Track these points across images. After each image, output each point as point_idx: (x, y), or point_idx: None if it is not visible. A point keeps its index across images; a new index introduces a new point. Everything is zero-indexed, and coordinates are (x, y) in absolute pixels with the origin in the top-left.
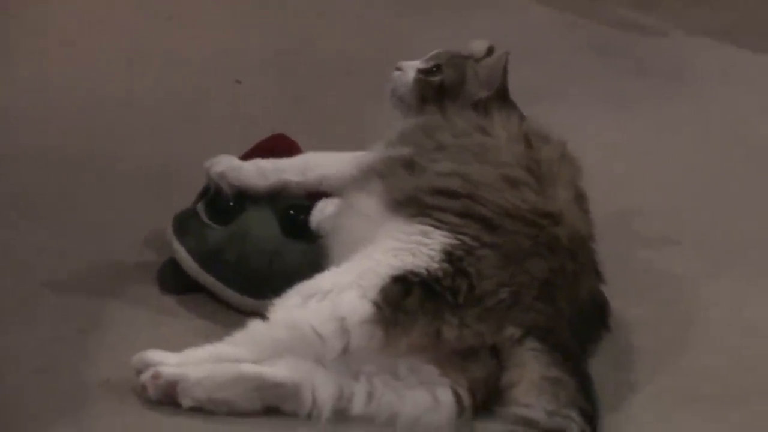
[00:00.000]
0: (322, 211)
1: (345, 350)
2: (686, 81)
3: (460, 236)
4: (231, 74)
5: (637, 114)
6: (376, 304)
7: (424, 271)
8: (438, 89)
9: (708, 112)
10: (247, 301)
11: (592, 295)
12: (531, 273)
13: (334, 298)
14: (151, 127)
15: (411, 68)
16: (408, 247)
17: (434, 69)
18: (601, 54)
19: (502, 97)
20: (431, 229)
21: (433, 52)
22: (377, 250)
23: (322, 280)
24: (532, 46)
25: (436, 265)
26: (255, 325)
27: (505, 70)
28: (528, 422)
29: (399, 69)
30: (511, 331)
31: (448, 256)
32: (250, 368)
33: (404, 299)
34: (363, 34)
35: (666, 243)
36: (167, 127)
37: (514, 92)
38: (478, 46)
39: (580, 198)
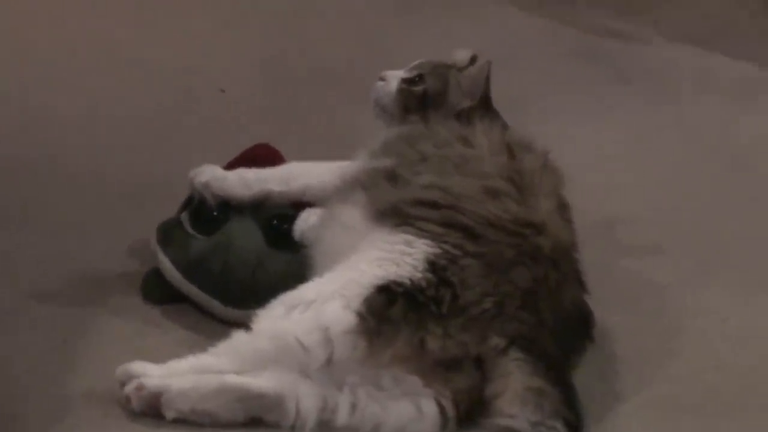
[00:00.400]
0: (306, 221)
1: (329, 361)
2: (668, 88)
3: (443, 245)
4: (215, 83)
5: (619, 122)
6: (360, 315)
7: (407, 281)
8: (421, 99)
9: (690, 119)
10: (231, 312)
11: (575, 305)
12: (514, 282)
13: (318, 309)
14: (135, 137)
15: (394, 78)
16: (391, 257)
17: (417, 79)
18: (583, 62)
19: (485, 105)
20: (414, 238)
21: (417, 62)
22: (361, 260)
23: (306, 290)
24: (514, 54)
25: (419, 275)
26: (238, 336)
27: (487, 79)
28: None
29: (382, 79)
30: (495, 341)
31: (432, 265)
32: (233, 379)
33: (388, 309)
34: (346, 43)
35: (650, 251)
36: (151, 136)
37: (497, 100)
38: (461, 56)
39: (563, 207)
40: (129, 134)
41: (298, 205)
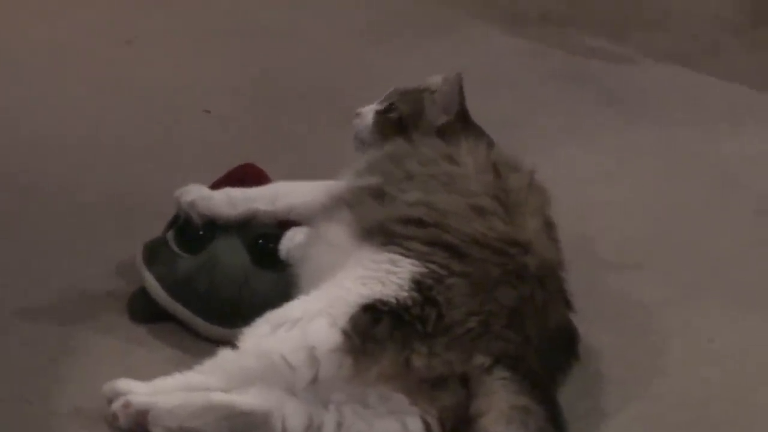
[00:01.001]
0: (292, 240)
1: (314, 379)
2: (655, 109)
3: (429, 264)
4: (200, 103)
5: (606, 142)
6: (346, 333)
7: (393, 300)
8: (397, 123)
9: (677, 139)
10: (217, 330)
11: (561, 324)
12: (500, 301)
13: (304, 327)
14: (122, 156)
15: (369, 112)
16: (377, 275)
17: (391, 107)
18: (569, 83)
19: (463, 119)
20: (400, 257)
21: (388, 92)
22: (347, 279)
23: (292, 308)
24: (500, 77)
25: (405, 294)
26: (225, 354)
27: (461, 92)
28: None
29: (358, 115)
30: (481, 359)
31: (417, 284)
32: (220, 397)
33: (373, 328)
34: (330, 63)
35: (635, 270)
36: (137, 156)
37: (484, 122)
38: (434, 80)
39: (549, 226)
40: (116, 153)
41: (284, 224)
